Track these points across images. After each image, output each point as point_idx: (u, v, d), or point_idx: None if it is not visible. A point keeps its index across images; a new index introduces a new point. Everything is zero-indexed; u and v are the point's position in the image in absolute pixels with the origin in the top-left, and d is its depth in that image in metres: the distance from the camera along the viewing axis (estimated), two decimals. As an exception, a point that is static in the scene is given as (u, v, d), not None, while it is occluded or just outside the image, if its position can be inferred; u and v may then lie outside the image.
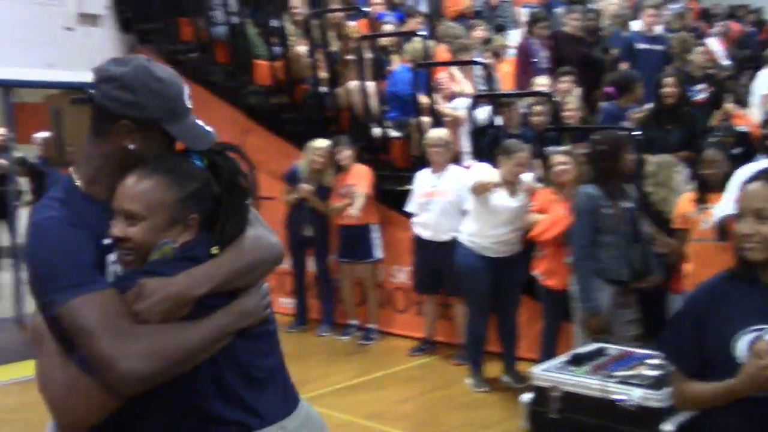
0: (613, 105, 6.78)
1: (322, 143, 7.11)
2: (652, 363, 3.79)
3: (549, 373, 3.84)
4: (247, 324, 1.92)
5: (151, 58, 1.99)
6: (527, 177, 5.74)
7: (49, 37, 8.74)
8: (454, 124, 6.94)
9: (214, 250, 1.89)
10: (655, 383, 3.58)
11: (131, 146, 1.88)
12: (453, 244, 5.94)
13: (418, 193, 6.50)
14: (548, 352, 5.37)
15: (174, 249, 1.87)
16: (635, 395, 3.54)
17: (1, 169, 9.86)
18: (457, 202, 6.15)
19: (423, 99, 7.03)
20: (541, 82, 7.16)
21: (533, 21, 8.19)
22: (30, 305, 7.94)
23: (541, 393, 3.80)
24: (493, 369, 5.99)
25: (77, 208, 1.87)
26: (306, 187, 7.08)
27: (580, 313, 4.85)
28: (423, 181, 6.49)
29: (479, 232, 5.69)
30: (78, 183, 1.91)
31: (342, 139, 7.08)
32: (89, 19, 9.09)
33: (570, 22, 7.90)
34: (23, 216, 8.98)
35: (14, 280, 8.18)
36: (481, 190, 5.55)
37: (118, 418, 1.83)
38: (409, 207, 6.60)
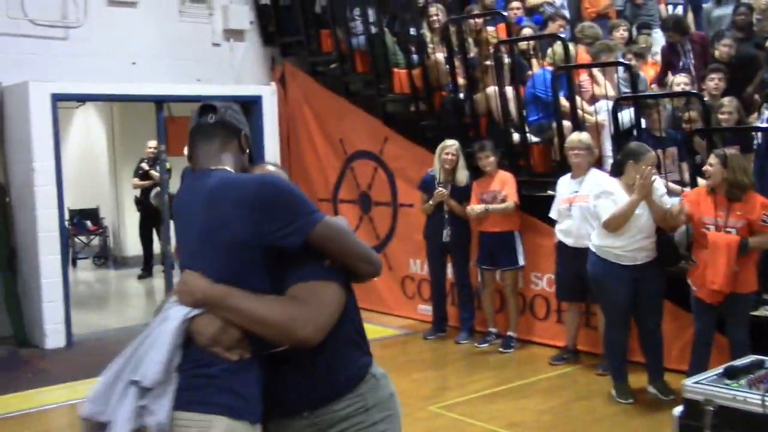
0: None
1: (451, 141, 7.16)
2: (817, 377, 3.54)
3: (702, 385, 3.65)
4: None
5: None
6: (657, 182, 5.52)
7: (197, 53, 9.17)
8: (596, 127, 6.75)
9: None
10: (821, 399, 3.34)
11: (246, 150, 2.57)
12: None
13: (559, 199, 6.36)
14: (699, 364, 5.12)
15: None
16: (800, 411, 3.32)
17: (153, 181, 10.41)
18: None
19: (563, 102, 6.88)
20: (680, 81, 6.87)
21: (665, 27, 7.93)
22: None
23: (694, 407, 3.61)
24: (639, 379, 5.77)
25: None
26: (442, 191, 7.09)
27: None
28: (564, 186, 6.34)
29: (611, 241, 5.50)
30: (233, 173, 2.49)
31: (487, 144, 7.02)
32: (234, 34, 9.46)
33: (720, 48, 7.51)
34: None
35: (166, 285, 8.58)
36: (620, 223, 5.39)
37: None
38: (552, 213, 6.48)
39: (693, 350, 5.36)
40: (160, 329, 2.26)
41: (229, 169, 2.45)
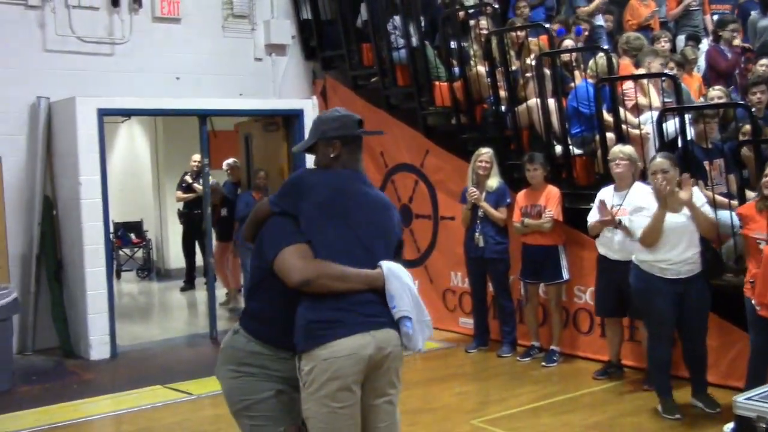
0: None
1: (486, 149, 7.21)
2: None
3: (753, 402, 3.57)
4: None
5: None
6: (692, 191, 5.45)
7: (240, 68, 9.27)
8: (641, 139, 6.66)
9: None
10: None
11: None
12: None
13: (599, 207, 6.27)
14: (756, 378, 4.99)
15: None
16: None
17: (196, 194, 10.51)
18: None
19: (607, 117, 6.81)
20: (713, 94, 6.77)
21: (718, 29, 7.87)
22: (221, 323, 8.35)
23: (745, 424, 3.53)
24: (683, 394, 5.67)
25: None
26: (474, 191, 7.12)
27: None
28: (606, 198, 6.23)
29: (654, 255, 5.40)
30: None
31: (537, 157, 6.97)
32: (276, 48, 9.54)
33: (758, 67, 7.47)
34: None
35: (209, 297, 8.64)
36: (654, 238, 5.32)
37: None
38: (590, 218, 6.38)
39: (749, 365, 5.22)
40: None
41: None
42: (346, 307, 2.97)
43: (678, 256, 5.34)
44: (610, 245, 6.17)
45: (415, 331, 3.04)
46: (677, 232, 5.31)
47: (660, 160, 5.38)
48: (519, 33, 7.86)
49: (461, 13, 8.40)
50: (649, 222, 5.32)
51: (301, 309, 3.00)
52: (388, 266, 3.07)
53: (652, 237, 5.32)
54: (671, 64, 7.51)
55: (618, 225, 5.96)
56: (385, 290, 3.04)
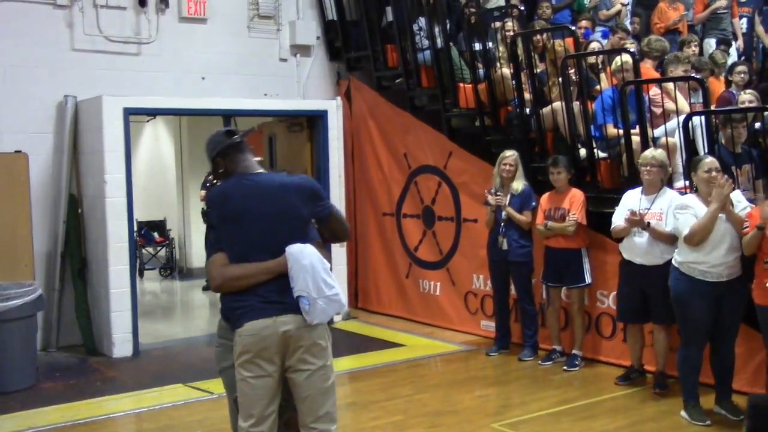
0: None
1: (510, 152, 7.22)
2: None
3: (777, 410, 3.53)
4: None
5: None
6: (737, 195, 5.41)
7: (265, 68, 9.31)
8: (667, 146, 6.60)
9: None
10: None
11: None
12: (664, 269, 5.71)
13: (626, 213, 6.21)
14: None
15: None
16: None
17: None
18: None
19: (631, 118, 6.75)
20: (744, 98, 6.69)
21: (728, 75, 7.80)
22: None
23: (769, 432, 3.50)
24: (706, 401, 5.61)
25: None
26: (500, 196, 7.11)
27: None
28: (633, 201, 6.18)
29: (695, 257, 5.36)
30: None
31: (561, 160, 6.94)
32: (301, 49, 9.57)
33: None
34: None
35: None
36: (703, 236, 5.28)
37: None
38: (615, 219, 6.31)
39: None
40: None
41: (265, 171, 3.75)
42: (251, 296, 3.56)
43: (719, 258, 5.31)
44: (635, 249, 6.11)
45: (313, 306, 3.53)
46: (719, 233, 5.29)
47: (710, 159, 5.43)
48: (541, 36, 7.81)
49: (475, 18, 8.37)
50: (700, 219, 5.28)
51: (221, 299, 3.73)
52: (289, 251, 3.56)
53: (701, 234, 5.28)
54: (705, 72, 7.40)
55: (647, 227, 5.92)
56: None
